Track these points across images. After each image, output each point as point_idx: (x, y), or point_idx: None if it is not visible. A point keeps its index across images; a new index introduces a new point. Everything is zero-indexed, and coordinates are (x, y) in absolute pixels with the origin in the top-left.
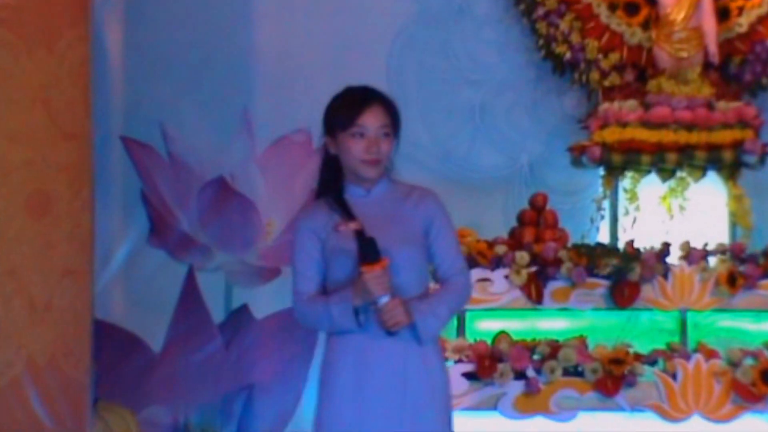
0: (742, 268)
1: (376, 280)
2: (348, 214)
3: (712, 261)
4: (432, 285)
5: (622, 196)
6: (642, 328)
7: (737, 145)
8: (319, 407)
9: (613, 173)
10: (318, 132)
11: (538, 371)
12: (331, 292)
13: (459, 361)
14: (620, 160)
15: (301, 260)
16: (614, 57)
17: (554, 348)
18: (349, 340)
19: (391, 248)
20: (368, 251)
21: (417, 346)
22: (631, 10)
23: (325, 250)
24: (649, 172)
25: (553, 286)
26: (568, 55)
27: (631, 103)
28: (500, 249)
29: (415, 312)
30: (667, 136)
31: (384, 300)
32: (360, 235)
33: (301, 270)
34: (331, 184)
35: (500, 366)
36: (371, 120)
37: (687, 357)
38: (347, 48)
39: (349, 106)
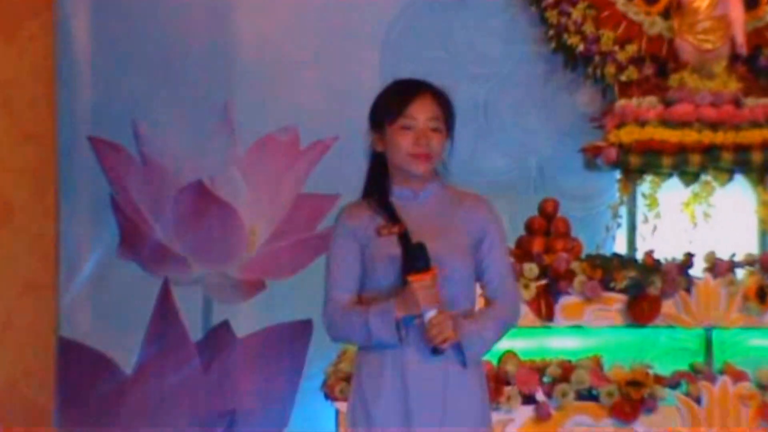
0: None
1: (426, 291)
2: (393, 217)
3: (740, 273)
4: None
5: (640, 202)
6: (663, 348)
7: (767, 146)
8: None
9: (631, 177)
10: (306, 128)
11: (548, 395)
12: (368, 302)
13: None
14: (638, 163)
15: (337, 264)
16: (632, 49)
17: (566, 369)
18: (387, 356)
19: (438, 259)
20: (417, 257)
21: (459, 369)
22: None
23: (365, 255)
24: (670, 175)
25: (564, 301)
26: (581, 47)
27: (651, 99)
28: None
29: (462, 330)
30: (690, 136)
31: (431, 313)
32: (405, 239)
33: (336, 275)
34: (378, 185)
35: (507, 389)
36: (420, 111)
37: (712, 379)
38: (337, 38)
39: (397, 96)
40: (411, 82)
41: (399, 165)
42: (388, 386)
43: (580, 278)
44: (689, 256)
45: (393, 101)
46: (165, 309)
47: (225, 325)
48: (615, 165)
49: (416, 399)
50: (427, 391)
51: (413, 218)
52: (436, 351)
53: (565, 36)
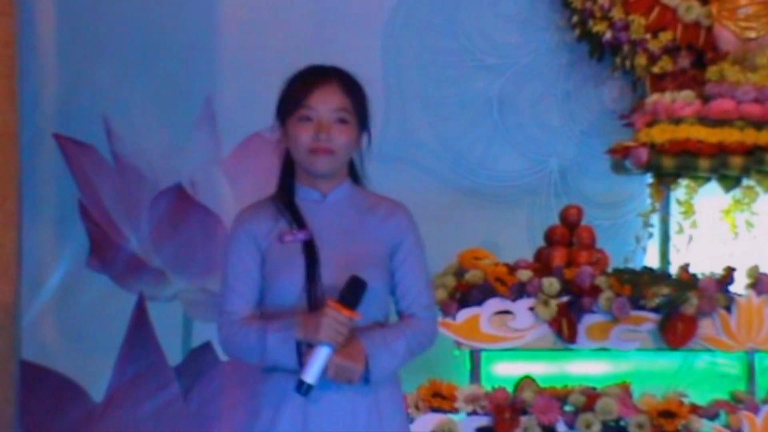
0: None
1: (335, 326)
2: (297, 220)
3: None
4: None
5: (674, 210)
6: (699, 374)
7: None
8: None
9: (664, 181)
10: None
11: (570, 426)
12: (269, 317)
13: (473, 413)
14: (673, 165)
15: (234, 272)
16: (665, 37)
17: (591, 397)
18: (285, 380)
19: (347, 267)
20: (352, 291)
21: (368, 390)
22: None
23: (265, 263)
24: (708, 179)
25: (588, 320)
26: (608, 34)
27: (687, 94)
28: (524, 275)
29: (366, 343)
30: (731, 136)
31: (324, 351)
32: (310, 248)
33: (232, 284)
34: (285, 184)
35: (524, 419)
36: (321, 100)
37: (755, 409)
38: (332, 26)
39: (297, 85)
40: (315, 68)
41: (300, 161)
42: (287, 413)
43: (606, 295)
44: (730, 271)
45: (293, 90)
46: (140, 328)
47: (207, 347)
48: (646, 168)
49: (317, 425)
50: (334, 418)
51: (320, 223)
52: (300, 388)
53: (591, 22)
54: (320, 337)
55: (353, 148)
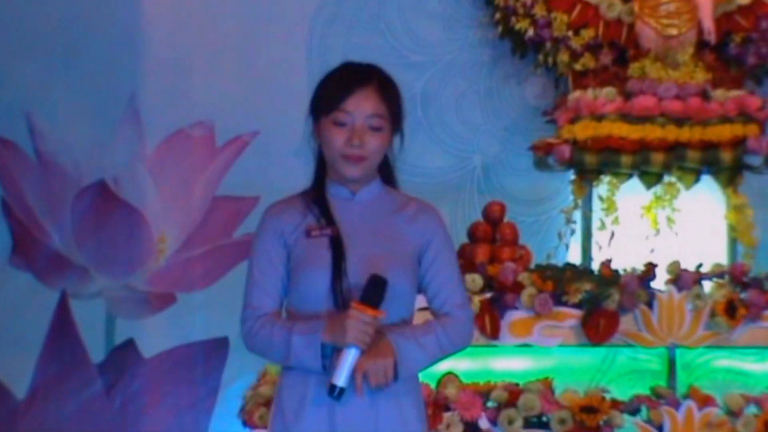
0: (743, 295)
1: (361, 325)
2: (326, 216)
3: (708, 286)
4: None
5: (597, 206)
6: (621, 369)
7: (738, 144)
8: None
9: (587, 178)
10: (223, 124)
11: (493, 422)
12: (294, 315)
13: None
14: (595, 162)
15: (259, 267)
16: (587, 34)
17: (513, 393)
18: (309, 382)
19: (374, 266)
20: (373, 289)
21: (391, 393)
22: None
23: (291, 258)
24: (630, 176)
25: (511, 317)
26: (530, 31)
27: (609, 91)
28: None
29: (395, 337)
30: (653, 132)
31: (352, 353)
32: (337, 244)
33: (258, 279)
34: (316, 180)
35: (446, 416)
36: (358, 105)
37: (676, 404)
38: (258, 23)
39: (335, 85)
40: (355, 69)
41: (330, 163)
42: (312, 406)
43: (529, 291)
44: (651, 267)
45: (329, 91)
46: (62, 325)
47: (130, 344)
48: (568, 164)
49: (343, 423)
50: (358, 423)
51: (349, 220)
52: (332, 391)
53: (514, 20)
54: (347, 340)
55: (385, 152)
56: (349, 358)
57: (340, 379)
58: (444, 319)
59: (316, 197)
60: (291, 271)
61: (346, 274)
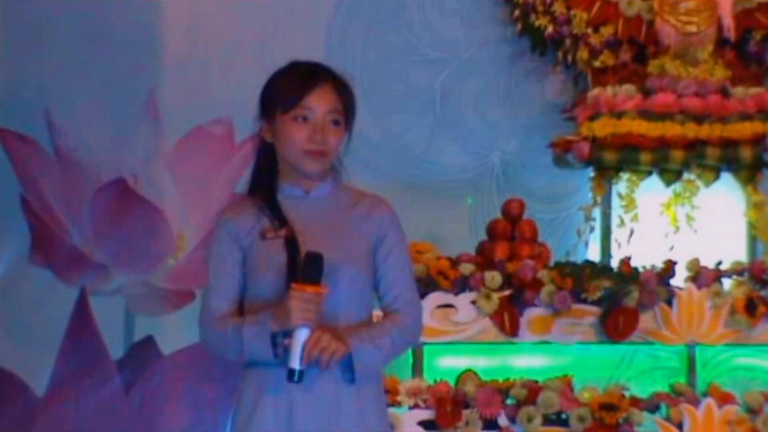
0: (763, 293)
1: (303, 305)
2: (279, 217)
3: (727, 284)
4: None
5: (616, 204)
6: (640, 367)
7: (758, 141)
8: None
9: (606, 175)
10: (242, 121)
11: (512, 419)
12: (250, 313)
13: (415, 406)
14: (614, 159)
15: (215, 272)
16: (607, 31)
17: (532, 390)
18: (267, 374)
19: (330, 266)
20: (310, 267)
21: (352, 388)
22: None
23: (247, 261)
24: (649, 173)
25: (530, 314)
26: (550, 29)
27: (628, 88)
28: (466, 268)
29: (351, 338)
30: (672, 130)
31: (303, 333)
32: (291, 244)
33: (214, 284)
34: (265, 180)
35: (465, 413)
36: (319, 102)
37: (695, 402)
38: (277, 19)
39: (294, 83)
40: (311, 67)
41: (289, 160)
42: (269, 406)
43: (548, 288)
44: (670, 264)
45: (289, 88)
46: (81, 322)
47: (149, 341)
48: (588, 162)
49: (301, 423)
50: (315, 411)
51: (303, 220)
52: (292, 376)
53: (533, 17)
54: (293, 322)
55: (341, 147)
56: (301, 338)
57: (296, 361)
58: (396, 318)
59: (267, 198)
60: (247, 273)
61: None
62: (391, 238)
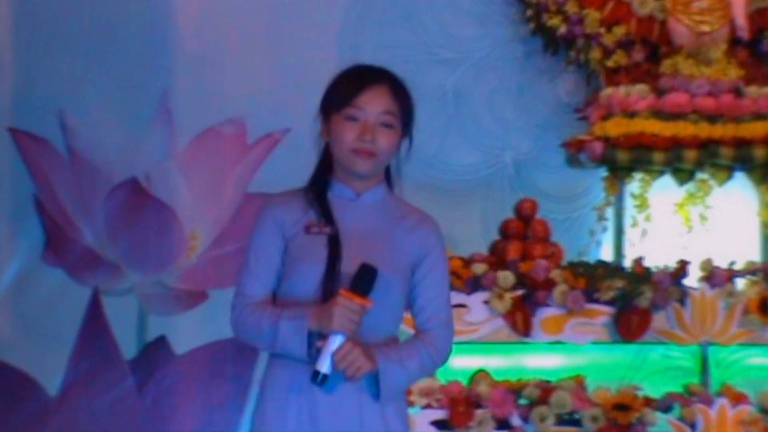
0: None
1: (347, 314)
2: (326, 215)
3: (740, 283)
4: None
5: (629, 203)
6: (653, 367)
7: None
8: None
9: (619, 175)
10: (254, 121)
11: (525, 419)
12: (282, 303)
13: (427, 406)
14: (627, 159)
15: (255, 256)
16: (620, 31)
17: (545, 390)
18: (294, 369)
19: None
20: (363, 278)
21: (374, 401)
22: None
23: (287, 251)
24: (662, 173)
25: (543, 314)
26: (562, 28)
27: (641, 87)
28: (479, 268)
29: (379, 357)
30: (685, 129)
31: (337, 339)
32: (334, 243)
33: (253, 268)
34: (320, 177)
35: (478, 413)
36: (371, 102)
37: (709, 402)
38: (289, 20)
39: (349, 82)
40: (368, 69)
41: (340, 160)
42: (293, 409)
43: (560, 288)
44: (683, 264)
45: (343, 87)
46: (95, 322)
47: (162, 341)
48: (600, 161)
49: (324, 424)
50: (336, 417)
51: (349, 221)
52: (316, 378)
53: (545, 16)
54: (333, 326)
55: (394, 152)
56: (334, 344)
57: (324, 365)
58: (426, 338)
59: (318, 195)
60: (285, 264)
61: (339, 274)
62: (434, 257)
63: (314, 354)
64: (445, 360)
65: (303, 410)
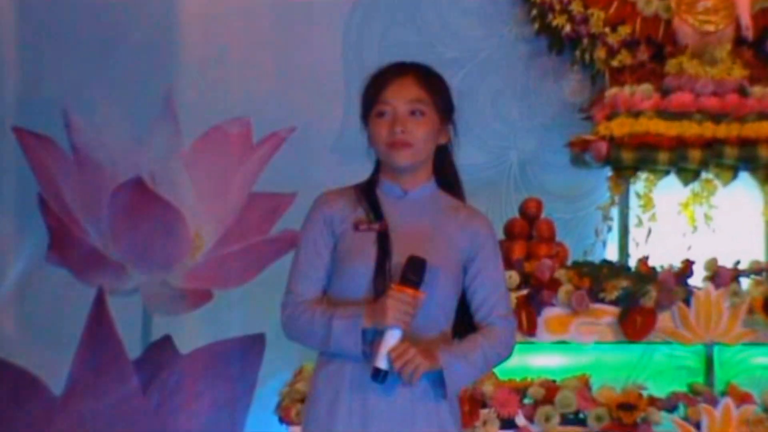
0: None
1: (401, 307)
2: (376, 212)
3: (745, 283)
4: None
5: (634, 203)
6: (658, 366)
7: None
8: None
9: (623, 174)
10: (260, 120)
11: (530, 419)
12: (332, 302)
13: None
14: (632, 158)
15: (305, 254)
16: (624, 31)
17: (550, 390)
18: (346, 368)
19: None
20: (413, 270)
21: (429, 398)
22: None
23: (337, 249)
24: (667, 173)
25: (548, 313)
26: (567, 28)
27: (646, 87)
28: None
29: (443, 354)
30: (690, 129)
31: (394, 336)
32: (384, 240)
33: (303, 266)
34: (372, 175)
35: (483, 412)
36: (396, 95)
37: (714, 402)
38: (294, 18)
39: (373, 82)
40: (391, 64)
41: (381, 158)
42: (345, 409)
43: (565, 288)
44: (688, 264)
45: (370, 88)
46: (99, 322)
47: (166, 340)
48: (605, 161)
49: (376, 426)
50: (388, 419)
51: (398, 219)
52: (377, 375)
53: (550, 16)
54: (388, 321)
55: (434, 141)
56: (391, 339)
57: (382, 361)
58: (488, 333)
59: (367, 192)
60: (335, 261)
61: (389, 271)
62: (486, 253)
63: (369, 352)
64: (510, 353)
65: (354, 411)
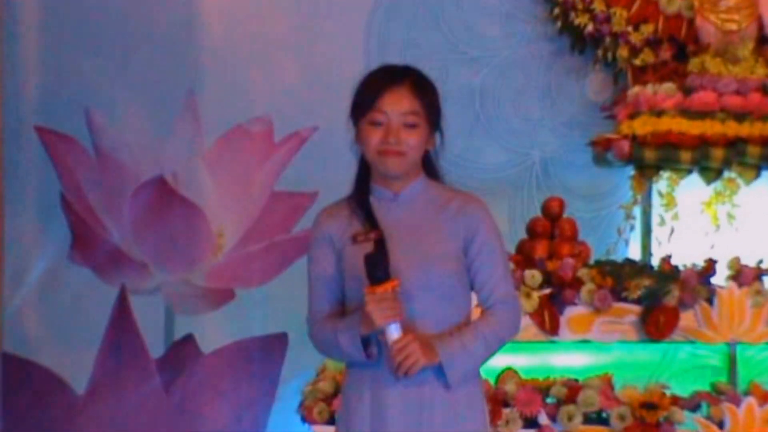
0: None
1: (379, 305)
2: (370, 220)
3: None
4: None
5: (656, 202)
6: (681, 366)
7: None
8: None
9: (646, 173)
10: (281, 119)
11: (552, 418)
12: (350, 310)
13: None
14: (654, 157)
15: (314, 275)
16: (647, 29)
17: (573, 389)
18: (365, 374)
19: (419, 266)
20: (374, 267)
21: (444, 391)
22: None
23: (342, 262)
24: (690, 172)
25: (571, 312)
26: (590, 27)
27: (668, 86)
28: None
29: (440, 347)
30: (713, 128)
31: (394, 331)
32: (380, 246)
33: (314, 286)
34: (360, 183)
35: (506, 411)
36: (392, 105)
37: (737, 401)
38: (316, 18)
39: (370, 86)
40: (389, 70)
41: (371, 163)
42: (366, 407)
43: (588, 287)
44: (711, 263)
45: (365, 92)
46: (122, 321)
47: (189, 339)
48: (628, 160)
49: (394, 423)
50: (407, 416)
51: (393, 221)
52: (399, 377)
53: (573, 15)
54: (378, 324)
55: (424, 148)
56: (394, 333)
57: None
58: (488, 317)
59: (359, 201)
60: (343, 273)
61: (390, 274)
62: (482, 236)
63: (375, 354)
64: (512, 333)
65: (373, 410)
